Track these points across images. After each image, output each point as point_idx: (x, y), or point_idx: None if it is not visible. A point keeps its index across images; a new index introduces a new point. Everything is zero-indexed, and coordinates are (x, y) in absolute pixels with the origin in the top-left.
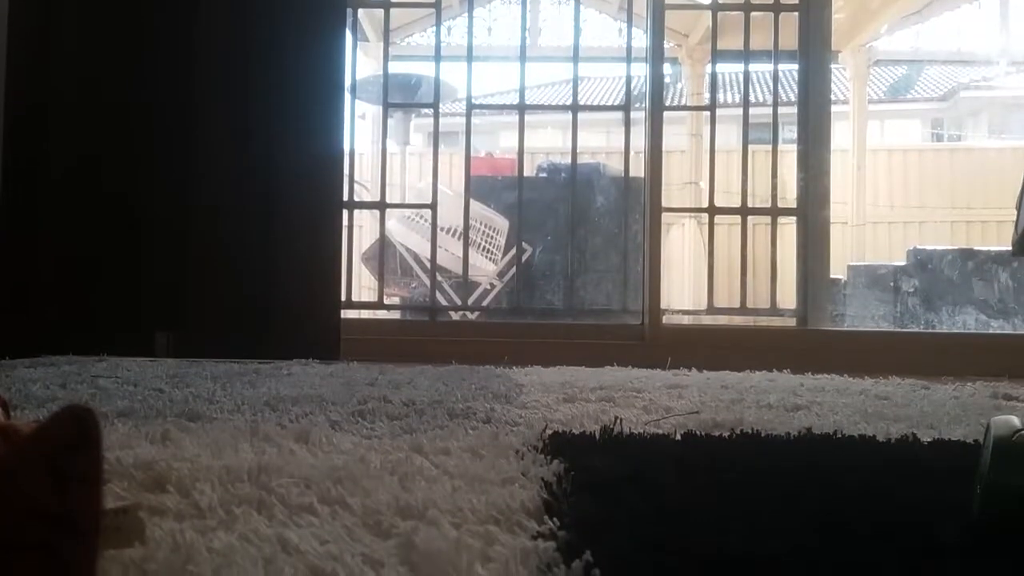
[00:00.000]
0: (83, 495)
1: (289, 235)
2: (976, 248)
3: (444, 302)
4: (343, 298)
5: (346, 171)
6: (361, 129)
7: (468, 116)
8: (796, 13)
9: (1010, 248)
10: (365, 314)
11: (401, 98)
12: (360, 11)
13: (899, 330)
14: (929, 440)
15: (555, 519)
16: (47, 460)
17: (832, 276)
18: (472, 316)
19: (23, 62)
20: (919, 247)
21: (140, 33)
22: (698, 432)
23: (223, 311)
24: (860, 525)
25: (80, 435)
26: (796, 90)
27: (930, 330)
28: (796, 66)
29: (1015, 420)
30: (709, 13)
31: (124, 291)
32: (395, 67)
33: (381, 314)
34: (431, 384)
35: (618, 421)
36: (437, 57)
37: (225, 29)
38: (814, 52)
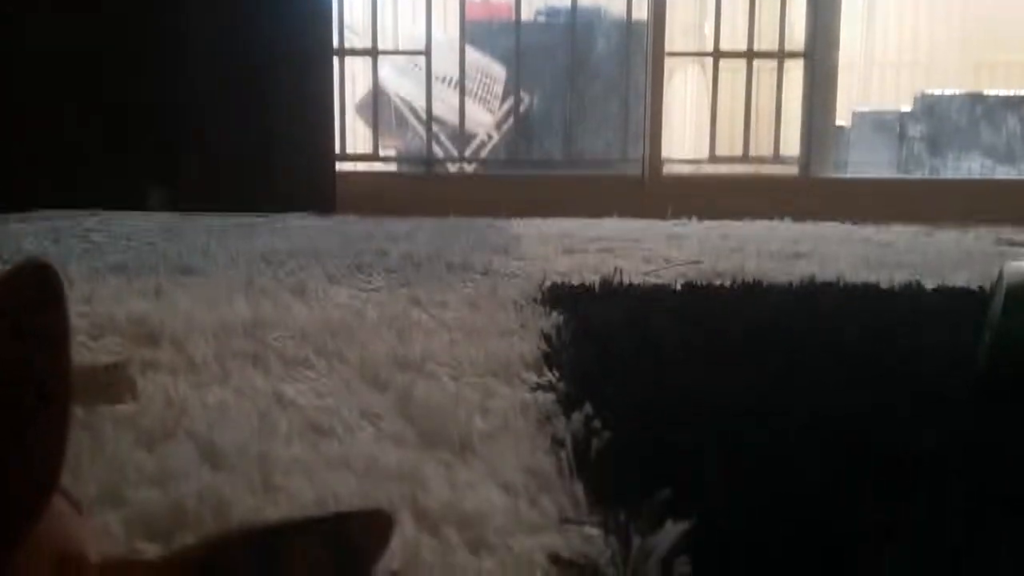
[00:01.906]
0: (48, 355)
1: (280, 84)
2: (985, 92)
3: (441, 154)
4: (337, 150)
5: (335, 16)
6: None
7: None
8: None
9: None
10: (361, 166)
11: None
12: None
13: (902, 177)
14: (933, 287)
15: (554, 371)
16: (5, 320)
17: (837, 123)
18: (469, 168)
19: None
20: (926, 92)
21: None
22: (698, 282)
23: (216, 165)
24: (863, 371)
25: (41, 292)
26: None
27: (934, 176)
28: None
29: None
30: None
31: (115, 146)
32: None
33: (377, 166)
34: (428, 237)
35: (617, 272)
36: None
37: None
38: None
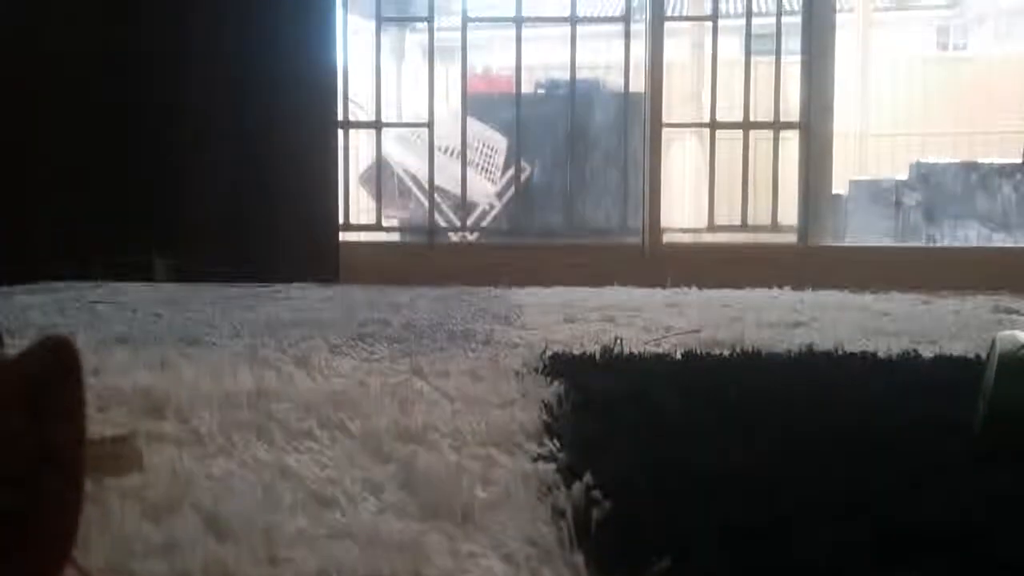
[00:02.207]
0: (63, 427)
1: (285, 156)
2: (979, 161)
3: (443, 223)
4: (341, 221)
5: (340, 90)
6: (355, 46)
7: (464, 30)
8: None
9: (1013, 160)
10: (363, 236)
11: (395, 11)
12: None
13: (900, 245)
14: (930, 355)
15: (555, 440)
16: (24, 394)
17: (834, 192)
18: (471, 237)
19: None
20: (922, 160)
21: None
22: (698, 351)
23: (221, 235)
24: (861, 443)
25: (58, 366)
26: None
27: (931, 244)
28: None
29: (1021, 335)
30: None
31: (121, 216)
32: None
33: (380, 236)
34: (431, 306)
35: (618, 341)
36: None
37: None
38: None
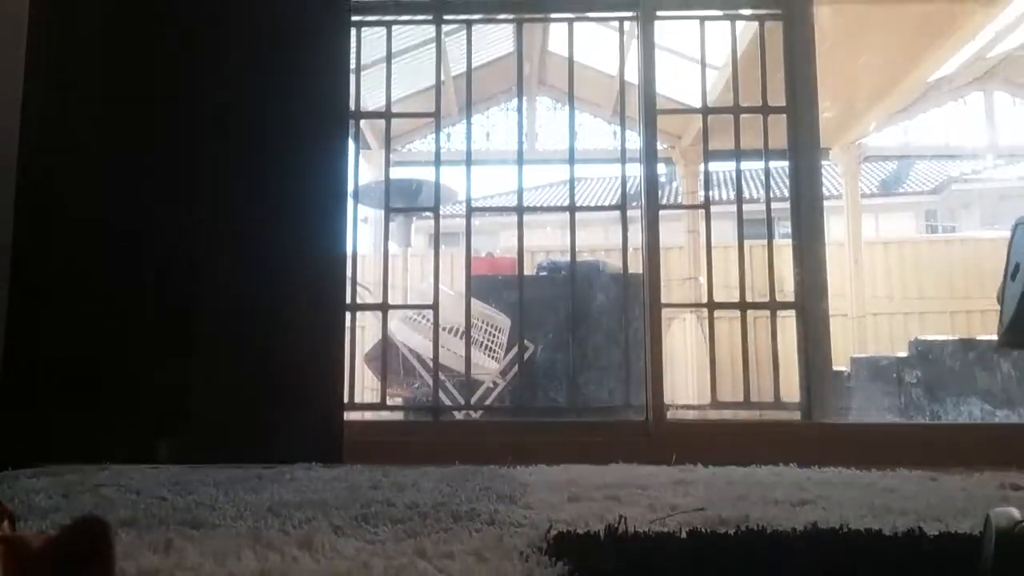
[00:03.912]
0: None
1: (293, 338)
2: (977, 338)
3: (447, 402)
4: (346, 400)
5: (349, 274)
6: (363, 232)
7: (468, 219)
8: (784, 115)
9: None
10: (368, 415)
11: (403, 202)
12: (362, 121)
13: (904, 422)
14: (935, 534)
15: None
16: (61, 572)
17: (835, 368)
18: (475, 415)
19: (31, 182)
20: (920, 338)
21: (150, 142)
22: (704, 529)
23: (226, 415)
24: None
25: (92, 546)
26: (788, 186)
27: (935, 421)
28: (787, 163)
29: (1015, 512)
30: (700, 116)
31: (127, 397)
32: (396, 173)
33: (384, 415)
34: (435, 486)
35: (623, 520)
36: (437, 163)
37: (237, 136)
38: (803, 151)
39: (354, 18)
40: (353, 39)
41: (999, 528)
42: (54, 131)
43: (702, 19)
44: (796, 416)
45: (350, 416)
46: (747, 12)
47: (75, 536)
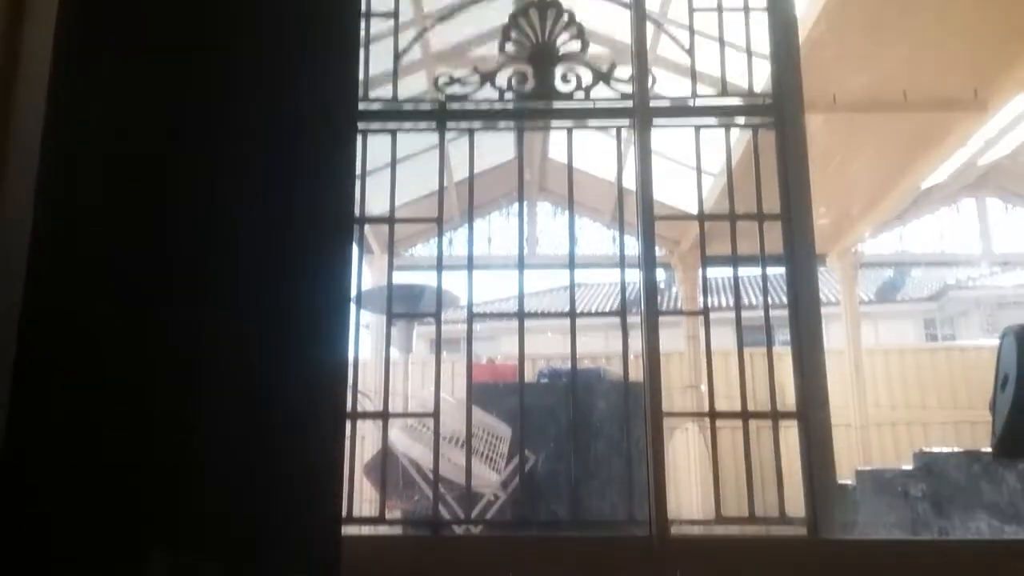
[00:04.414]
0: None
1: (290, 447)
2: (981, 450)
3: (447, 515)
4: (344, 512)
5: (350, 381)
6: (364, 338)
7: (469, 324)
8: (779, 222)
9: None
10: (366, 529)
11: (404, 308)
12: (365, 227)
13: (912, 538)
14: None
15: None
16: None
17: (840, 481)
18: (476, 529)
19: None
20: (925, 450)
21: (151, 242)
22: None
23: (219, 526)
24: None
25: None
26: (786, 293)
27: (943, 537)
28: (784, 269)
29: None
30: (697, 222)
31: (119, 509)
32: (398, 277)
33: (382, 529)
34: None
35: None
36: (439, 268)
37: (242, 243)
38: (800, 257)
39: (360, 125)
40: (359, 146)
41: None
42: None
43: (697, 127)
44: (802, 531)
45: (347, 530)
46: (741, 120)
47: None
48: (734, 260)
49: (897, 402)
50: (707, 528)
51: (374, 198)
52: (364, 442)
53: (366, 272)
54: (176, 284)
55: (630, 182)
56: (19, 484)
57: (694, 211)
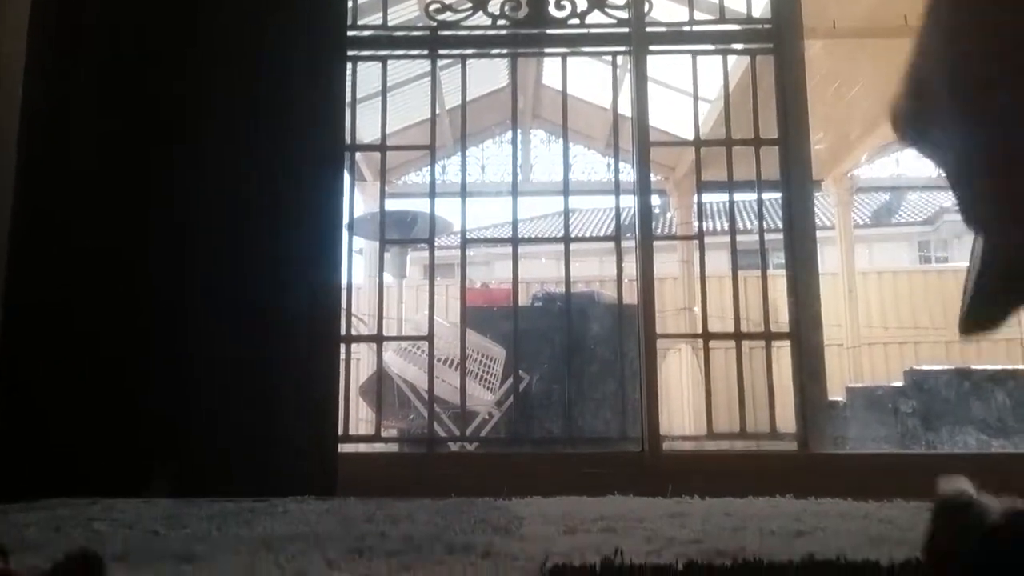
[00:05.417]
0: None
1: (288, 370)
2: (972, 367)
3: (442, 433)
4: (341, 431)
5: (344, 305)
6: (358, 263)
7: (463, 250)
8: (776, 147)
9: (1004, 367)
10: (362, 447)
11: (398, 234)
12: (358, 153)
13: (901, 451)
14: None
15: None
16: None
17: (831, 398)
18: (471, 447)
19: (25, 223)
20: (915, 368)
21: (147, 175)
22: (700, 562)
23: (220, 449)
24: None
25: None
26: (781, 217)
27: (932, 451)
28: (780, 194)
29: (966, 485)
30: (693, 148)
31: (119, 430)
32: (392, 204)
33: (378, 447)
34: (429, 518)
35: (619, 553)
36: (432, 195)
37: (233, 171)
38: (796, 182)
39: (350, 53)
40: (349, 73)
41: (942, 496)
42: (53, 158)
43: (694, 53)
44: (792, 447)
45: (344, 448)
46: (738, 47)
47: (68, 571)
48: (730, 185)
49: (890, 323)
50: (698, 444)
51: (366, 126)
52: (360, 364)
53: (359, 199)
54: (169, 217)
55: (625, 109)
56: (15, 413)
57: (690, 137)
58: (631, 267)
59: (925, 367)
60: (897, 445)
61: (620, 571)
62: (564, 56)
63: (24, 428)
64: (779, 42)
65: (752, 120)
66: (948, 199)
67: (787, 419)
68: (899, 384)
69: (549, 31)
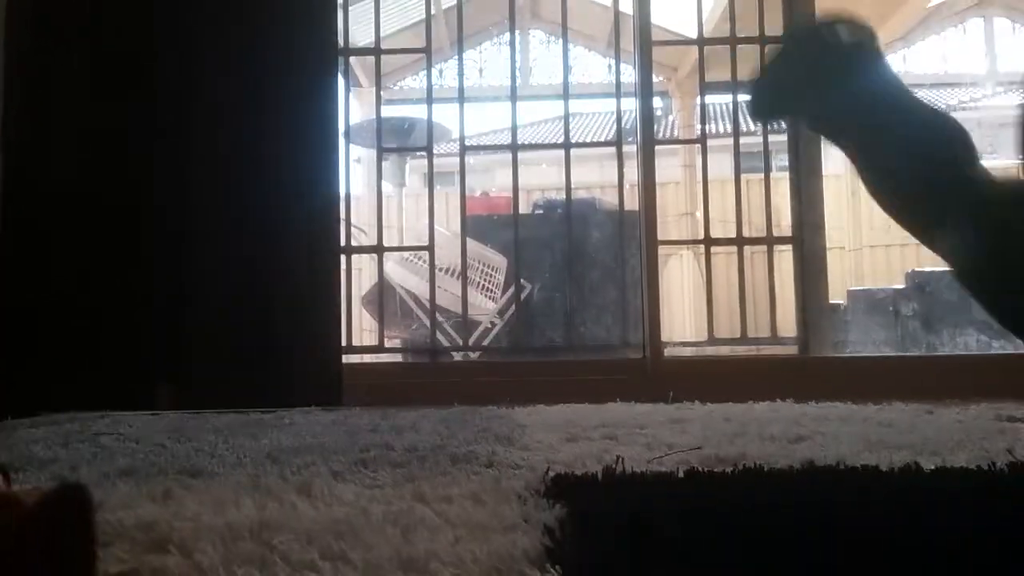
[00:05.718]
0: (77, 572)
1: (288, 282)
2: None
3: (445, 342)
4: (344, 343)
5: (343, 215)
6: (357, 173)
7: (462, 157)
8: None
9: None
10: (367, 358)
11: (395, 142)
12: (352, 58)
13: (901, 354)
14: (932, 468)
15: (557, 567)
16: (40, 541)
17: (832, 302)
18: (473, 356)
19: (19, 134)
20: (917, 270)
21: (137, 86)
22: (701, 468)
23: (224, 361)
24: (863, 568)
25: (72, 516)
26: None
27: (932, 353)
28: None
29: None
30: (696, 47)
31: (125, 344)
32: (388, 111)
33: (383, 357)
34: (433, 428)
35: (620, 461)
36: (429, 100)
37: (224, 77)
38: None
39: None
40: None
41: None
42: (39, 79)
43: None
44: (793, 351)
45: (348, 359)
46: None
47: (57, 505)
48: (734, 85)
49: (892, 224)
50: (699, 349)
51: (359, 29)
52: (361, 275)
53: (355, 106)
54: (162, 128)
55: (627, 6)
56: (21, 329)
57: (693, 35)
58: (632, 172)
59: (927, 269)
60: (898, 348)
61: (621, 480)
62: None
63: (27, 342)
64: None
65: (758, 16)
66: (955, 96)
67: (788, 324)
68: (900, 287)
69: None
